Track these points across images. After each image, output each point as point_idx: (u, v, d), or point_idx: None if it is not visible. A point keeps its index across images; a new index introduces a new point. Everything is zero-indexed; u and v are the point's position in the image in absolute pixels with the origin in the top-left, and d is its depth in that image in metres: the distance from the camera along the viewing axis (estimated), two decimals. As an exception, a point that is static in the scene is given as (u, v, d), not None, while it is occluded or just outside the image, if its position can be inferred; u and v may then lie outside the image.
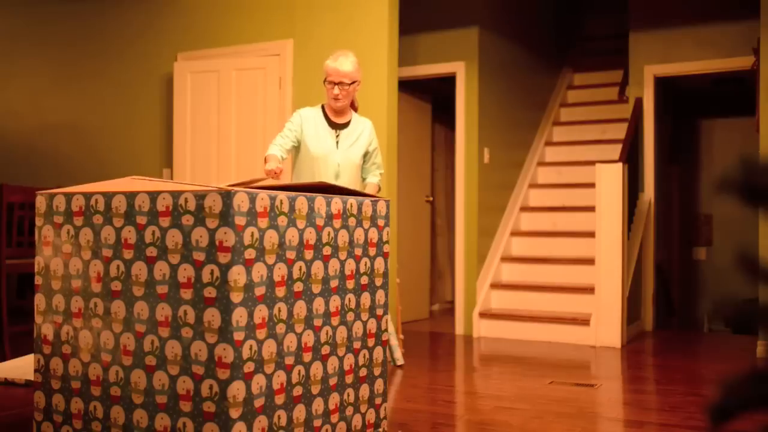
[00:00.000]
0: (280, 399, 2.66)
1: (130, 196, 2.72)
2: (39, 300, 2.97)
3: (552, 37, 8.41)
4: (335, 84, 4.07)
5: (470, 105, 6.63)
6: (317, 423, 2.84)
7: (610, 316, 5.90)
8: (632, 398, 4.20)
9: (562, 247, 6.86)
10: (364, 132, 4.23)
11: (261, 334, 2.58)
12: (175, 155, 6.09)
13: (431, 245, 8.09)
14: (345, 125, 4.20)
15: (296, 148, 4.23)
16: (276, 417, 2.64)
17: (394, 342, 4.97)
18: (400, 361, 4.99)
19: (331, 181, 4.10)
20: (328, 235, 2.90)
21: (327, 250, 2.89)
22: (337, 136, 4.16)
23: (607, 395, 4.22)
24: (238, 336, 2.49)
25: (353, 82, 4.10)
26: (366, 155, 4.27)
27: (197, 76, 6.03)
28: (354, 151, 4.17)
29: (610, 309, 5.90)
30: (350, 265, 3.01)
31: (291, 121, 4.18)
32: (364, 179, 4.33)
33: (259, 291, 2.57)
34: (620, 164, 6.00)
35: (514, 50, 7.32)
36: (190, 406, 2.54)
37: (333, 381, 2.92)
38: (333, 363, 2.92)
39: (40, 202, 2.97)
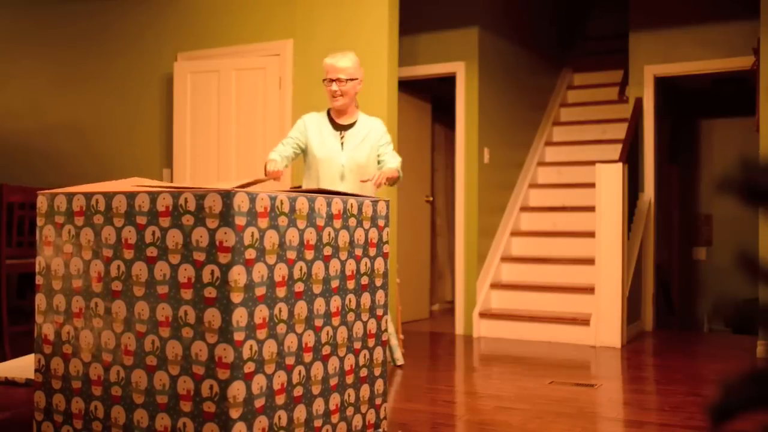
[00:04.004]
0: (280, 399, 2.66)
1: (131, 196, 2.72)
2: (40, 300, 2.97)
3: (552, 38, 8.41)
4: (333, 80, 4.03)
5: (470, 105, 6.63)
6: (318, 423, 2.84)
7: (610, 316, 5.90)
8: (632, 398, 4.21)
9: (562, 247, 6.86)
10: (371, 132, 4.13)
11: (261, 334, 2.58)
12: (175, 155, 6.09)
13: (431, 245, 8.09)
14: (350, 126, 4.13)
15: (304, 153, 4.18)
16: (276, 417, 2.64)
17: (394, 342, 4.97)
18: (400, 361, 4.99)
19: (337, 182, 4.08)
20: (329, 235, 2.90)
21: (327, 251, 2.89)
22: (342, 137, 4.10)
23: (607, 395, 4.22)
24: (239, 336, 2.49)
25: (351, 79, 4.04)
26: (378, 154, 4.17)
27: (197, 76, 6.03)
28: (360, 152, 4.08)
29: (610, 309, 5.90)
30: (351, 266, 3.01)
31: (294, 128, 4.16)
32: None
33: (260, 291, 2.58)
34: (620, 164, 6.00)
35: (514, 50, 7.33)
36: (190, 406, 2.55)
37: (333, 381, 2.92)
38: (333, 363, 2.92)
39: (42, 202, 2.97)
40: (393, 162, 4.12)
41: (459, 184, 6.68)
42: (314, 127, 4.11)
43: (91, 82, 6.81)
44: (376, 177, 3.84)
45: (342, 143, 4.08)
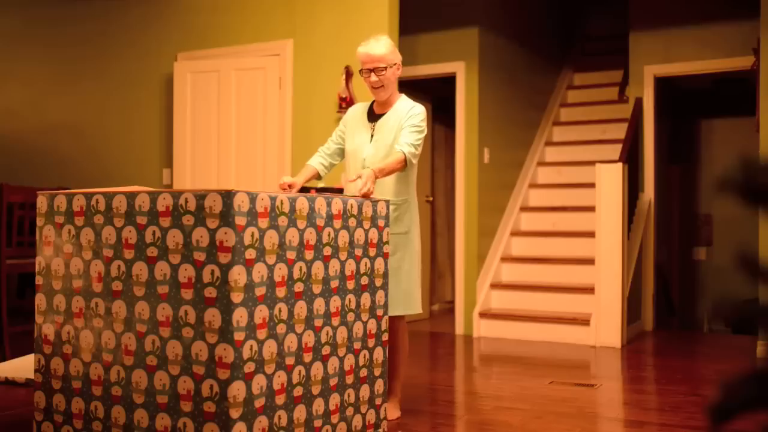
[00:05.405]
0: (280, 399, 2.66)
1: (131, 196, 2.72)
2: (40, 300, 2.97)
3: (552, 37, 8.41)
4: (371, 71, 3.58)
5: (470, 105, 6.63)
6: (317, 423, 2.84)
7: (610, 316, 5.90)
8: (632, 398, 4.21)
9: (562, 247, 6.86)
10: (398, 117, 3.59)
11: (261, 334, 2.58)
12: (175, 155, 6.09)
13: (431, 245, 8.09)
14: (382, 116, 3.65)
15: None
16: (276, 417, 2.64)
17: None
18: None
19: None
20: (329, 235, 2.90)
21: (327, 251, 2.89)
22: (373, 129, 3.65)
23: (607, 395, 4.22)
24: (239, 336, 2.49)
25: (390, 66, 3.59)
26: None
27: (197, 76, 6.03)
28: (382, 144, 3.56)
29: (610, 309, 5.90)
30: (350, 266, 3.01)
31: (342, 120, 3.85)
32: None
33: (260, 291, 2.57)
34: (620, 164, 6.00)
35: (514, 50, 7.32)
36: (190, 406, 2.55)
37: (333, 381, 2.92)
38: (333, 363, 2.92)
39: (41, 202, 2.97)
40: (403, 139, 3.50)
41: (459, 184, 6.67)
42: (353, 118, 3.75)
43: (92, 82, 6.81)
44: (360, 187, 3.24)
45: (372, 135, 3.64)
